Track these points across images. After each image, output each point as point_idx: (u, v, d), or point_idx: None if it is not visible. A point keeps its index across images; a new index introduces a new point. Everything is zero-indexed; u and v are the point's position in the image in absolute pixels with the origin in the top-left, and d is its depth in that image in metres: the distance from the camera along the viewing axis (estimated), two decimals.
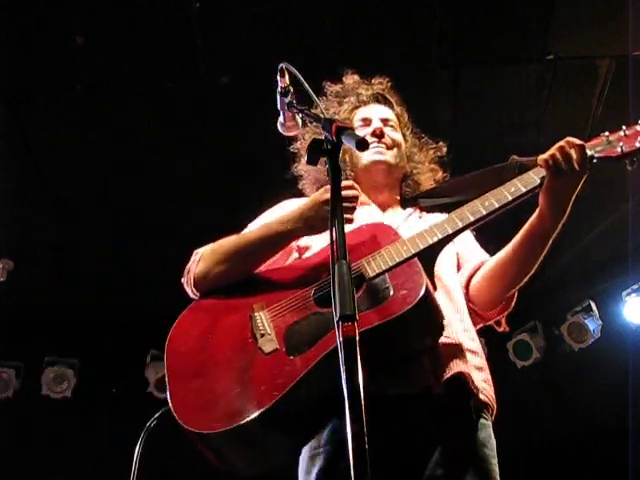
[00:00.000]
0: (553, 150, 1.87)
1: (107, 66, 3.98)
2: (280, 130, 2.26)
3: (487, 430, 1.93)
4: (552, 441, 6.44)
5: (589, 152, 1.91)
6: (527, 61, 4.09)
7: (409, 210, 2.33)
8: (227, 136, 4.45)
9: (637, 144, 1.90)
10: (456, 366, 1.89)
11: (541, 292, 6.05)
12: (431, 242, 1.87)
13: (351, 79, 2.56)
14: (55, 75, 4.01)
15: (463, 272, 2.16)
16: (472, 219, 1.90)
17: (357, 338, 1.32)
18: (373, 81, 2.57)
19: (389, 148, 2.34)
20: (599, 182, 5.06)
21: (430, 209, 2.32)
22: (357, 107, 2.47)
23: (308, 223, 1.96)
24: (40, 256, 5.35)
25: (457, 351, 1.93)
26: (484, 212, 1.90)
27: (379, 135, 2.34)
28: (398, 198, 2.40)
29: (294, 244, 2.15)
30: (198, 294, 2.07)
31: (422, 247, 1.86)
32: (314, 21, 3.83)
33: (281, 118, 2.16)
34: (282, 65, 1.99)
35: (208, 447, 1.78)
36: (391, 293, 1.78)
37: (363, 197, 2.29)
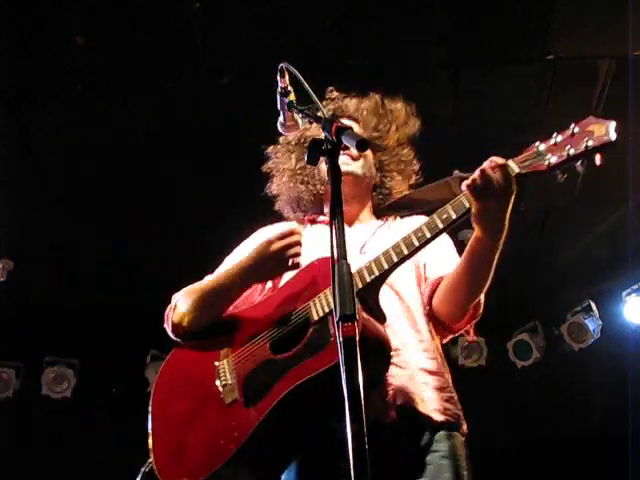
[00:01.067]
0: (475, 174, 1.83)
1: (107, 66, 3.98)
2: (280, 130, 2.26)
3: (451, 441, 1.97)
4: (552, 441, 6.44)
5: (516, 169, 1.86)
6: (527, 61, 4.09)
7: (380, 222, 2.35)
8: (227, 136, 4.45)
9: (565, 154, 1.80)
10: (404, 394, 1.92)
11: (541, 292, 6.06)
12: (369, 280, 1.90)
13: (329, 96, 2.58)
14: (55, 75, 4.01)
15: (424, 290, 2.16)
16: (406, 252, 1.90)
17: (357, 338, 1.32)
18: (346, 97, 2.59)
19: (354, 159, 2.34)
20: (599, 182, 5.09)
21: (408, 214, 2.34)
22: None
23: (256, 276, 2.06)
24: (40, 256, 5.35)
25: (410, 377, 1.96)
26: (417, 244, 1.90)
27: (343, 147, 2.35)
28: (370, 209, 2.42)
29: None
30: (179, 340, 2.15)
31: (360, 286, 1.89)
32: (314, 21, 3.83)
33: (281, 118, 2.15)
34: (282, 65, 1.99)
35: None
36: (330, 338, 1.82)
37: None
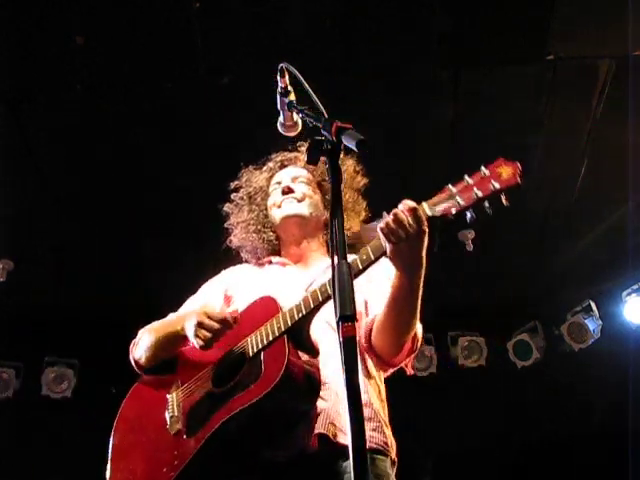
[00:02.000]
0: (388, 218, 1.87)
1: (107, 66, 3.98)
2: (280, 130, 2.26)
3: (372, 463, 2.01)
4: (552, 441, 6.44)
5: (428, 212, 1.90)
6: (527, 61, 4.09)
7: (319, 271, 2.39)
8: (227, 136, 4.45)
9: (473, 195, 1.87)
10: (327, 425, 2.00)
11: (541, 292, 6.06)
12: (297, 318, 2.00)
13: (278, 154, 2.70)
14: (55, 75, 4.01)
15: (361, 332, 2.20)
16: (321, 299, 1.99)
17: (357, 339, 1.32)
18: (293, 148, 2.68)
19: (300, 201, 2.46)
20: (599, 182, 5.09)
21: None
22: (274, 173, 2.62)
23: (186, 335, 2.15)
24: (40, 256, 5.35)
25: (333, 408, 2.03)
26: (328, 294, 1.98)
27: (287, 191, 2.48)
28: (322, 247, 2.51)
29: (223, 298, 2.41)
30: (140, 372, 2.34)
31: (290, 324, 2.01)
32: (314, 21, 3.83)
33: (281, 118, 2.16)
34: (282, 65, 2.00)
35: None
36: (262, 372, 1.96)
37: (287, 255, 2.49)
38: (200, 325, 2.05)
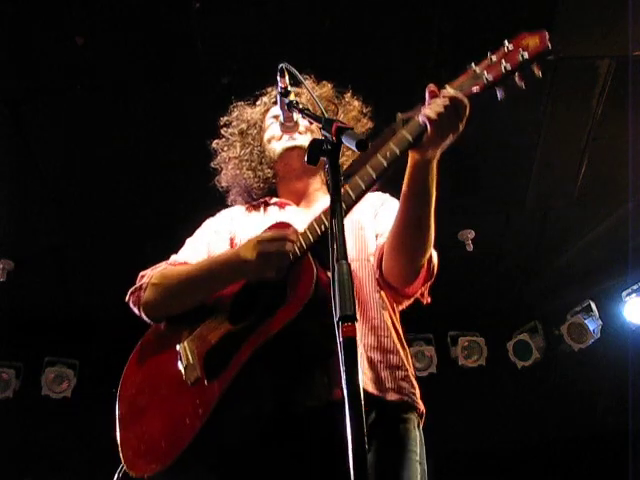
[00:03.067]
0: (440, 108, 1.86)
1: (107, 66, 3.98)
2: (280, 130, 2.26)
3: (403, 425, 1.91)
4: (552, 441, 6.44)
5: (465, 100, 1.89)
6: None
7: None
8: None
9: (501, 69, 1.85)
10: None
11: (541, 292, 6.06)
12: (320, 232, 1.86)
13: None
14: (55, 75, 4.01)
15: (374, 262, 2.10)
16: (354, 197, 1.86)
17: (357, 339, 1.32)
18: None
19: (301, 134, 2.31)
20: (599, 182, 5.08)
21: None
22: (269, 108, 2.45)
23: (242, 275, 1.95)
24: (40, 256, 5.35)
25: (360, 356, 1.91)
26: (374, 175, 1.87)
27: (285, 124, 2.27)
28: (322, 184, 2.38)
29: (228, 242, 2.23)
30: (147, 320, 2.15)
31: (312, 240, 1.87)
32: (314, 21, 3.83)
33: (281, 118, 2.16)
34: (282, 65, 1.99)
35: None
36: (287, 295, 1.82)
37: (285, 195, 2.34)
38: (268, 255, 1.87)
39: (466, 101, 1.87)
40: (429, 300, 2.11)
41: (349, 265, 1.39)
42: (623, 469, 5.51)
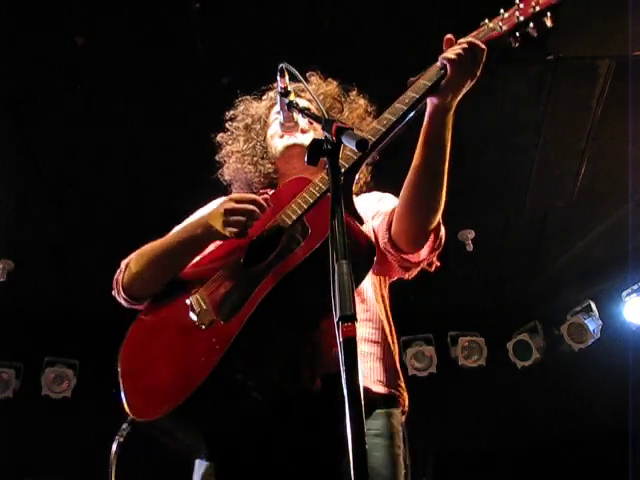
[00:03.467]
0: (459, 49, 1.98)
1: (107, 66, 3.98)
2: (280, 130, 2.26)
3: (387, 419, 1.91)
4: (552, 441, 6.44)
5: (483, 45, 2.01)
6: (527, 61, 4.09)
7: None
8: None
9: (515, 20, 1.98)
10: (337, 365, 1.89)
11: (541, 292, 6.07)
12: (342, 170, 1.82)
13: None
14: (55, 75, 4.01)
15: (380, 222, 2.09)
16: (374, 139, 1.89)
17: (356, 339, 1.31)
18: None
19: (303, 132, 2.30)
20: (599, 182, 5.08)
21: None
22: (274, 103, 2.41)
23: (211, 233, 1.95)
24: (40, 256, 5.35)
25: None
26: (393, 119, 1.91)
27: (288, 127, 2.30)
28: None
29: None
30: (131, 301, 2.12)
31: (347, 166, 1.85)
32: (314, 21, 3.83)
33: (281, 118, 2.16)
34: (282, 65, 1.99)
35: (165, 433, 1.79)
36: (309, 231, 1.80)
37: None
38: (230, 212, 1.86)
39: (483, 45, 1.97)
40: (438, 264, 2.09)
41: (349, 265, 1.39)
42: (623, 469, 5.51)
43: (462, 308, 6.11)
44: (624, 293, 5.72)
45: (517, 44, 2.03)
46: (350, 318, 1.32)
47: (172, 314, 1.97)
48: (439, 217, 1.99)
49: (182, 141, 4.48)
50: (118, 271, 2.18)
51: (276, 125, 2.34)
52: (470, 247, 5.23)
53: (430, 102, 1.94)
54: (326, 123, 1.62)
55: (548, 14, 1.91)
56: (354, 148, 1.54)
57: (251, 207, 1.87)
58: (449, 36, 2.03)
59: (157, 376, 1.83)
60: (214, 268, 1.96)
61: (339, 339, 1.31)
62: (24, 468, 5.75)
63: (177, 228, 2.30)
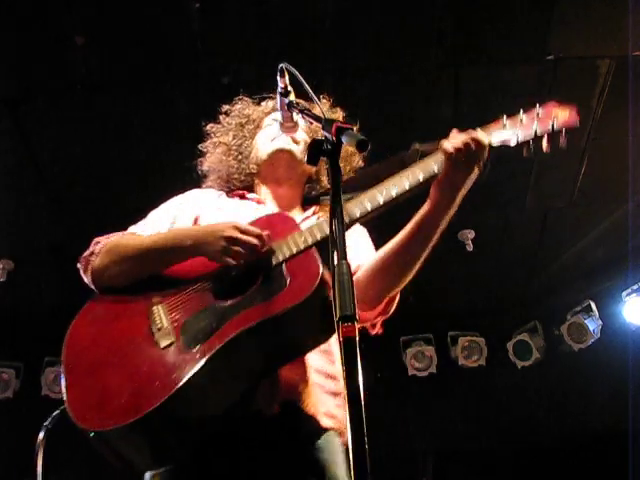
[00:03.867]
0: (459, 143, 1.88)
1: (107, 66, 3.98)
2: (280, 130, 2.26)
3: (332, 440, 1.92)
4: (552, 441, 6.44)
5: (487, 140, 1.94)
6: (527, 61, 4.09)
7: (307, 212, 2.29)
8: None
9: (532, 132, 1.95)
10: (296, 391, 1.89)
11: (541, 292, 6.07)
12: (328, 232, 1.81)
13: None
14: (55, 75, 4.01)
15: None
16: (369, 208, 1.89)
17: (357, 338, 1.31)
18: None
19: (295, 142, 2.30)
20: (599, 182, 5.08)
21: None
22: (271, 111, 2.43)
23: (202, 250, 1.90)
24: (40, 256, 5.35)
25: (304, 376, 1.92)
26: (381, 200, 1.90)
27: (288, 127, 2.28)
28: (299, 198, 2.36)
29: (192, 220, 2.18)
30: (94, 287, 2.11)
31: (319, 237, 1.86)
32: (314, 21, 3.83)
33: (281, 118, 2.15)
34: (282, 65, 1.99)
35: (104, 445, 1.76)
36: (286, 284, 1.79)
37: (263, 195, 2.31)
38: (233, 241, 1.83)
39: (486, 143, 1.91)
40: (380, 331, 2.10)
41: (349, 265, 1.39)
42: (623, 469, 5.51)
43: (462, 308, 6.11)
44: (624, 293, 5.72)
45: (527, 154, 2.00)
46: (350, 318, 1.31)
47: (128, 312, 1.93)
48: (407, 282, 2.01)
49: (182, 140, 4.48)
50: (90, 248, 2.12)
51: (270, 130, 2.34)
52: (470, 247, 5.23)
53: (433, 188, 1.92)
54: (326, 123, 1.62)
55: (563, 132, 1.91)
56: (354, 148, 1.54)
57: (255, 242, 1.84)
58: (456, 130, 1.96)
59: (105, 382, 1.78)
60: (183, 282, 1.93)
61: (339, 339, 1.31)
62: (24, 468, 5.75)
63: (154, 216, 2.30)
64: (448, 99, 4.30)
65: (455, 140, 1.89)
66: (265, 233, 1.87)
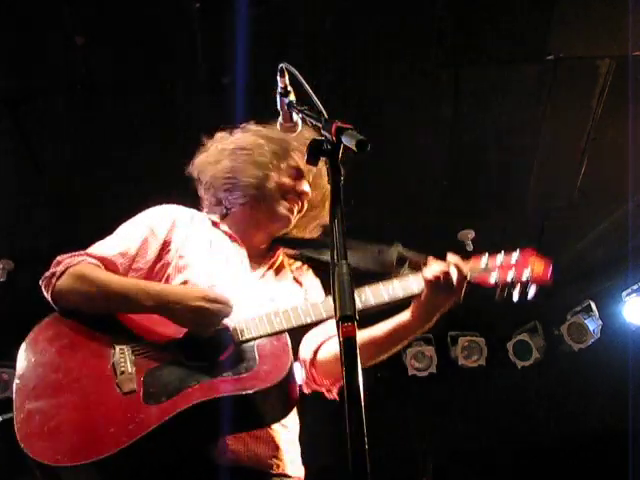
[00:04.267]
0: (439, 273, 1.98)
1: (107, 66, 3.98)
2: (280, 129, 2.25)
3: None
4: (552, 441, 6.44)
5: (467, 274, 2.07)
6: (527, 61, 4.09)
7: (272, 260, 2.32)
8: None
9: (507, 278, 2.07)
10: (253, 441, 1.93)
11: (541, 292, 6.06)
12: (304, 322, 1.94)
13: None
14: (55, 75, 4.01)
15: (310, 343, 2.16)
16: (305, 322, 1.97)
17: (356, 339, 1.31)
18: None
19: (298, 212, 2.34)
20: (599, 182, 5.08)
21: (299, 257, 2.37)
22: (296, 149, 2.34)
23: (170, 315, 1.92)
24: (40, 256, 5.34)
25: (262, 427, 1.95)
26: (360, 306, 1.94)
27: (302, 200, 2.32)
28: (269, 244, 2.38)
29: (174, 262, 2.15)
30: (55, 307, 2.07)
31: (295, 324, 1.93)
32: (314, 21, 3.83)
33: (281, 118, 2.15)
34: (282, 65, 1.99)
35: (41, 472, 1.78)
36: (255, 365, 1.84)
37: (234, 229, 2.30)
38: (203, 313, 1.87)
39: (464, 275, 2.04)
40: (337, 397, 2.17)
41: (349, 265, 1.39)
42: (623, 469, 5.51)
43: (462, 308, 6.10)
44: (624, 293, 5.72)
45: (500, 298, 2.14)
46: (350, 318, 1.32)
47: (91, 344, 1.91)
48: None
49: (182, 141, 4.48)
50: (51, 272, 2.14)
51: (289, 179, 2.31)
52: (470, 247, 5.23)
53: (413, 304, 2.06)
54: (326, 123, 1.62)
55: (534, 287, 2.09)
56: (354, 148, 1.54)
57: (226, 310, 1.89)
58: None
59: (59, 412, 1.76)
60: (150, 329, 1.93)
61: (339, 339, 1.31)
62: (24, 468, 5.75)
63: (124, 233, 2.28)
64: (448, 99, 4.30)
65: (435, 270, 2.00)
66: (229, 304, 1.89)
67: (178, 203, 2.46)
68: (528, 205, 5.07)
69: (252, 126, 2.47)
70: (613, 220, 5.22)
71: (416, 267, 2.06)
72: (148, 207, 2.39)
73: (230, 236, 2.29)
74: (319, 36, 3.88)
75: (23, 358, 1.92)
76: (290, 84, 2.01)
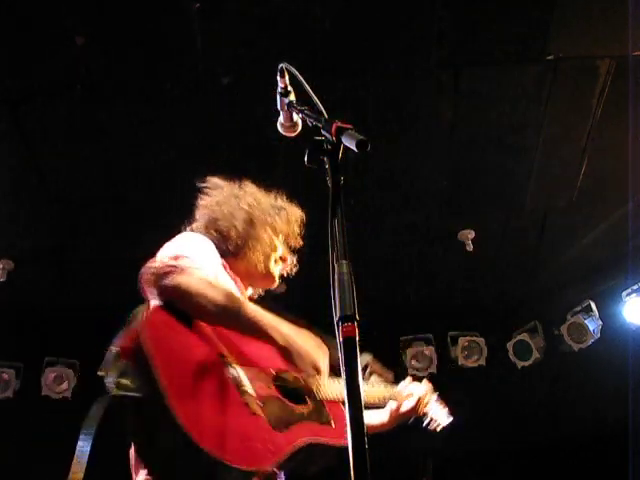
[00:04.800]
0: (409, 410, 2.80)
1: (107, 66, 3.98)
2: (280, 130, 2.26)
3: None
4: (552, 441, 6.45)
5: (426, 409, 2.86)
6: (527, 61, 4.09)
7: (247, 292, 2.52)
8: (227, 136, 4.46)
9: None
10: None
11: (541, 292, 6.06)
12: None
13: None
14: (55, 75, 4.01)
15: None
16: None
17: (357, 339, 1.31)
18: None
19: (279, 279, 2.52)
20: (599, 182, 5.08)
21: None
22: (301, 228, 2.59)
23: (292, 359, 2.01)
24: (40, 256, 5.35)
25: None
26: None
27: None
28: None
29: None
30: (160, 296, 2.13)
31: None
32: (314, 21, 3.83)
33: (281, 118, 2.15)
34: (282, 65, 1.99)
35: (196, 462, 1.72)
36: (332, 423, 2.07)
37: (234, 272, 2.40)
38: (316, 372, 2.04)
39: (425, 411, 2.95)
40: None
41: (349, 264, 1.39)
42: (623, 469, 5.51)
43: (462, 308, 6.11)
44: (624, 293, 5.71)
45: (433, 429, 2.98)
46: (350, 318, 1.31)
47: (201, 350, 1.92)
48: None
49: (182, 141, 4.48)
50: (173, 259, 2.14)
51: (285, 252, 2.54)
52: (470, 247, 5.23)
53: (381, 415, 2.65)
54: (326, 123, 1.62)
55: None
56: (354, 148, 1.54)
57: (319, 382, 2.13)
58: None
59: (216, 416, 1.77)
60: (254, 355, 2.03)
61: (339, 339, 1.31)
62: (24, 468, 5.75)
63: (203, 255, 2.29)
64: (448, 99, 4.30)
65: (406, 406, 2.73)
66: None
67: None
68: (528, 205, 5.07)
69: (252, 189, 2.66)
70: (613, 220, 5.22)
71: (380, 376, 2.57)
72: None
73: (233, 278, 2.41)
74: (319, 36, 3.88)
75: (154, 342, 1.92)
76: (290, 84, 2.01)
